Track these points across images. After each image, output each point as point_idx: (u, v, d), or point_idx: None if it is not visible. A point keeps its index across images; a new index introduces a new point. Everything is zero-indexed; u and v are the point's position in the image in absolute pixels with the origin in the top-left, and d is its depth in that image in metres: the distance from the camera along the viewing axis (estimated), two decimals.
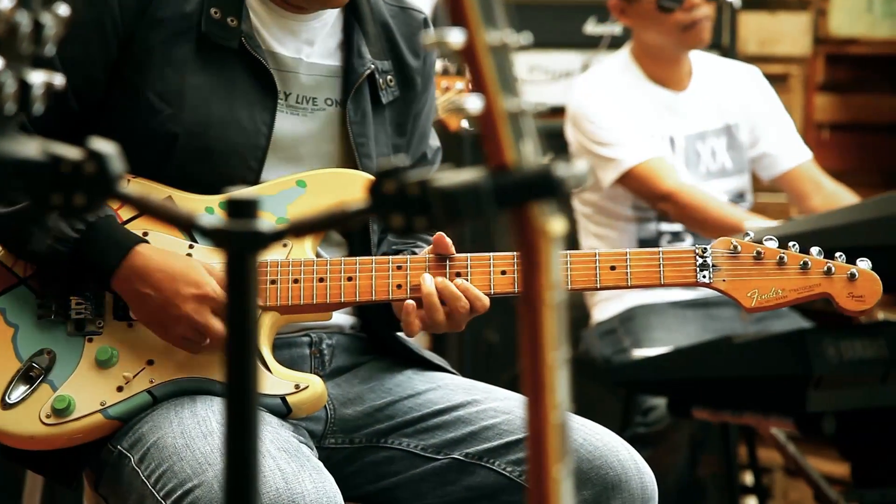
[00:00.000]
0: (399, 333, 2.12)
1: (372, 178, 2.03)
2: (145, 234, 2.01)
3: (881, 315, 3.55)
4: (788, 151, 3.69)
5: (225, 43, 2.03)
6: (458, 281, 1.98)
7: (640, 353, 3.41)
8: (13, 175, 1.03)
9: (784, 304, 2.04)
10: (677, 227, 3.53)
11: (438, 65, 2.97)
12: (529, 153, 1.08)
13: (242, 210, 1.09)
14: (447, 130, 3.34)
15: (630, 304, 3.58)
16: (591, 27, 4.34)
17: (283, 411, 1.99)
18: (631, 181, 3.49)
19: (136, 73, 2.02)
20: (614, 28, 4.32)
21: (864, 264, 2.04)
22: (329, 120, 2.11)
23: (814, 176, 3.66)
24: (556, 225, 1.08)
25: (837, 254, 2.05)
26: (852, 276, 2.03)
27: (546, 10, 4.32)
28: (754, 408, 3.15)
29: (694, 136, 3.62)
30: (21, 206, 1.96)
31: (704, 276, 2.02)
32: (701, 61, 3.69)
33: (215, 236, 1.10)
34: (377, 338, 2.17)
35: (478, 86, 1.06)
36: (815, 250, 2.05)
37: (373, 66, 2.12)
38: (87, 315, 2.00)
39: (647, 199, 3.50)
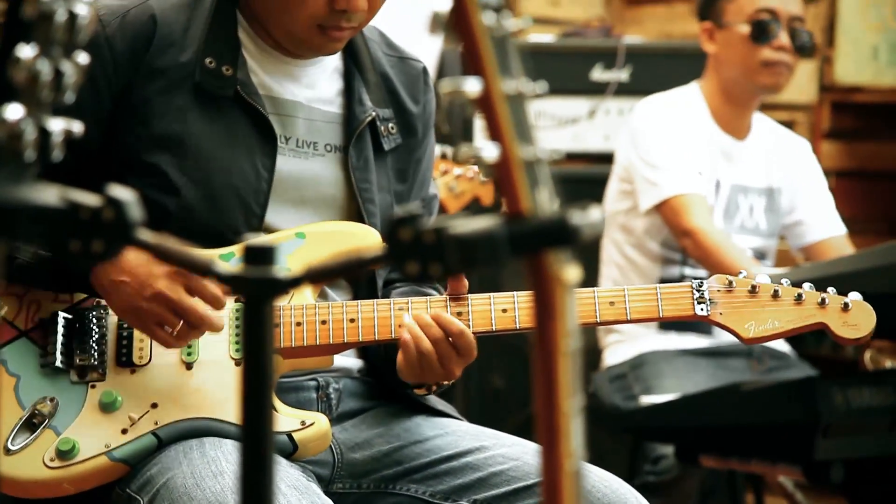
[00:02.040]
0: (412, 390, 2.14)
1: (371, 229, 2.08)
2: None
3: (888, 363, 3.55)
4: (822, 223, 3.70)
5: (220, 92, 2.05)
6: (433, 314, 2.00)
7: (648, 399, 3.40)
8: (33, 221, 1.04)
9: (781, 335, 2.09)
10: (702, 272, 3.52)
11: (437, 149, 2.99)
12: (545, 201, 1.08)
13: (259, 257, 1.10)
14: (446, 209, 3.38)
15: (641, 350, 3.58)
16: (598, 73, 4.36)
17: (290, 449, 1.99)
18: (665, 210, 3.50)
19: (136, 123, 2.03)
20: (620, 74, 4.34)
21: (855, 296, 2.09)
22: (331, 164, 2.13)
23: (842, 252, 3.65)
24: (572, 272, 1.09)
25: (829, 288, 2.11)
26: (846, 305, 2.09)
27: (552, 57, 4.35)
28: (762, 455, 3.15)
29: (738, 188, 3.63)
30: None
31: (702, 310, 2.06)
32: (761, 122, 3.72)
33: (233, 282, 1.10)
34: (384, 383, 2.18)
35: (493, 134, 1.07)
36: (806, 285, 2.10)
37: (374, 114, 2.15)
38: (89, 362, 2.01)
39: (673, 232, 3.52)
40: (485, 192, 3.61)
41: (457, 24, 1.05)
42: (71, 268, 1.98)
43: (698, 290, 2.07)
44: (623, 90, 4.33)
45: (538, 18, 5.16)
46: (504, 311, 2.03)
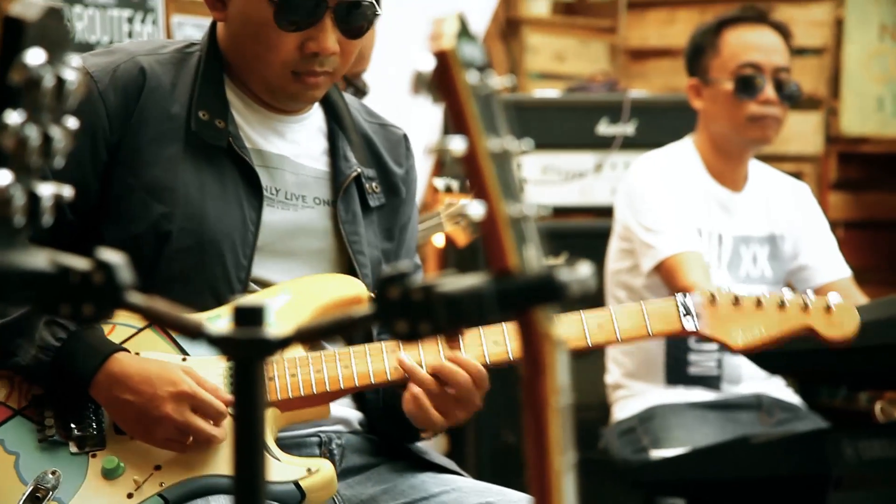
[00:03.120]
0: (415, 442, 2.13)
1: (357, 281, 2.08)
2: (137, 354, 2.01)
3: None
4: (826, 267, 3.69)
5: (214, 142, 2.07)
6: (449, 355, 2.01)
7: (658, 453, 3.39)
8: (23, 286, 1.04)
9: (770, 342, 2.11)
10: None
11: (441, 183, 2.99)
12: (532, 258, 1.09)
13: (248, 317, 1.10)
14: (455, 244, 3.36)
15: (650, 404, 3.57)
16: (604, 127, 4.38)
17: (297, 498, 1.99)
18: (662, 271, 3.49)
19: (127, 172, 2.04)
20: (626, 128, 4.36)
21: (835, 298, 2.14)
22: (320, 216, 2.14)
23: (849, 294, 3.63)
24: (560, 329, 1.09)
25: (808, 291, 2.15)
26: (828, 307, 2.12)
27: (558, 111, 4.36)
28: None
29: (740, 239, 3.63)
30: (11, 319, 1.97)
31: (689, 323, 2.07)
32: (758, 170, 3.72)
33: (222, 344, 1.11)
34: (389, 440, 2.17)
35: (479, 192, 1.07)
36: (787, 291, 2.13)
37: (359, 170, 2.16)
38: (88, 432, 2.00)
39: (671, 292, 3.50)
40: None
41: (440, 84, 1.06)
42: (68, 378, 1.98)
43: (683, 305, 2.09)
44: (629, 144, 4.34)
45: (544, 74, 5.19)
46: (495, 342, 2.04)
